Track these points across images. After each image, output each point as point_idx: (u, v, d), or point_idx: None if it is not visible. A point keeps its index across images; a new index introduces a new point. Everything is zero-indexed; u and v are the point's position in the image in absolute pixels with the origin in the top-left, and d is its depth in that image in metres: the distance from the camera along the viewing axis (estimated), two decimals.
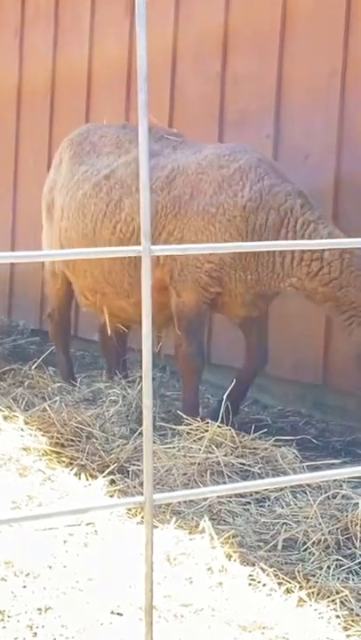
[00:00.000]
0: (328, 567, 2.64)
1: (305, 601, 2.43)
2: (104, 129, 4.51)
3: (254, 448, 3.42)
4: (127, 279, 4.11)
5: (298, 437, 3.70)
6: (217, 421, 3.54)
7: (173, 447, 3.44)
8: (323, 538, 2.79)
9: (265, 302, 4.01)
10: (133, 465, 3.41)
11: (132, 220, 4.08)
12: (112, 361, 4.65)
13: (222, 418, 3.62)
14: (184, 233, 3.92)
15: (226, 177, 3.90)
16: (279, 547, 2.80)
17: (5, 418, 3.83)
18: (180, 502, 3.06)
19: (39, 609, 2.28)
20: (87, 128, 4.61)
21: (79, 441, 3.62)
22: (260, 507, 3.10)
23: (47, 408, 3.89)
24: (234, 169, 3.90)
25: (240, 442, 3.43)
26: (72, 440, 3.63)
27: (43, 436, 3.65)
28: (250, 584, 2.50)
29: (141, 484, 3.18)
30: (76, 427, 3.69)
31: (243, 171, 3.90)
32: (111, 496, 3.11)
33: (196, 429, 3.52)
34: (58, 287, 4.62)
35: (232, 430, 3.48)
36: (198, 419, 3.63)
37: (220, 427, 3.49)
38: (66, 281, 4.55)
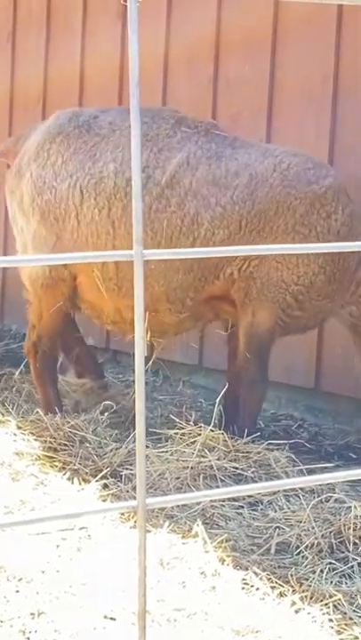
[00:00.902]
0: (321, 571, 2.65)
1: (298, 605, 2.43)
2: (100, 115, 3.91)
3: (247, 452, 3.43)
4: (190, 295, 3.77)
5: (291, 442, 3.70)
6: (210, 425, 3.54)
7: (166, 451, 3.44)
8: (316, 542, 2.79)
9: None
10: (126, 469, 3.41)
11: (212, 236, 3.67)
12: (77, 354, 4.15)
13: (215, 422, 3.62)
14: (272, 260, 3.64)
15: (318, 195, 3.65)
16: (272, 551, 2.80)
17: None
18: (173, 506, 3.06)
19: (32, 614, 2.27)
20: (72, 114, 3.94)
21: (72, 445, 3.62)
22: (254, 511, 3.10)
23: (40, 412, 3.89)
24: (325, 187, 3.66)
25: (233, 446, 3.43)
26: (65, 444, 3.63)
27: (36, 440, 3.64)
28: (243, 588, 2.50)
29: (134, 489, 3.18)
30: (70, 431, 3.68)
31: (334, 190, 3.66)
32: (104, 500, 3.11)
33: (189, 433, 3.52)
34: (58, 304, 3.88)
35: (225, 434, 3.48)
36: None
37: (212, 431, 3.48)
38: (70, 296, 3.88)
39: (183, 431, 3.53)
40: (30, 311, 4.01)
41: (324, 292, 3.69)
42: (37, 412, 3.90)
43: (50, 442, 3.63)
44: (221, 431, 3.49)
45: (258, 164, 3.69)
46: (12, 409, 4.07)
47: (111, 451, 3.53)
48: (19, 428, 3.75)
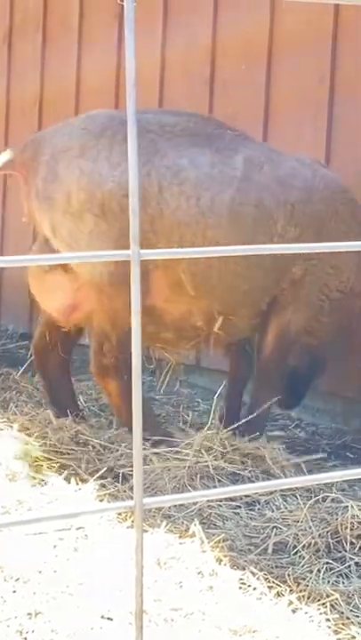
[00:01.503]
0: (318, 570, 2.65)
1: (295, 604, 2.43)
2: (139, 115, 3.71)
3: (247, 453, 3.42)
4: (265, 298, 3.69)
5: (288, 441, 3.71)
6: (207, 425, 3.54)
7: (163, 451, 3.44)
8: (313, 541, 2.79)
9: None
10: (124, 469, 3.41)
11: (285, 233, 3.63)
12: (59, 385, 3.94)
13: (212, 421, 3.62)
14: (326, 264, 3.70)
15: (353, 200, 3.77)
16: (269, 550, 2.80)
17: None
18: (170, 506, 3.06)
19: (29, 614, 2.28)
20: (110, 114, 3.82)
21: (72, 445, 3.62)
22: (251, 510, 3.11)
23: (38, 414, 3.89)
24: (352, 193, 3.79)
25: (230, 445, 3.43)
26: (63, 445, 3.63)
27: (35, 441, 3.64)
28: (240, 588, 2.51)
29: (131, 489, 3.18)
30: (67, 431, 3.68)
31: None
32: (101, 500, 3.11)
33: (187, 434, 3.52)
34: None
35: (220, 433, 3.48)
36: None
37: (209, 430, 3.49)
38: None
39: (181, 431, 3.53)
40: (99, 323, 3.58)
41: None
42: (35, 412, 3.90)
43: (48, 442, 3.63)
44: (217, 430, 3.48)
45: (301, 169, 3.74)
46: (9, 409, 4.07)
47: (111, 452, 3.53)
48: (12, 426, 3.75)
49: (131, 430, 3.37)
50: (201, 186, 3.59)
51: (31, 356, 4.10)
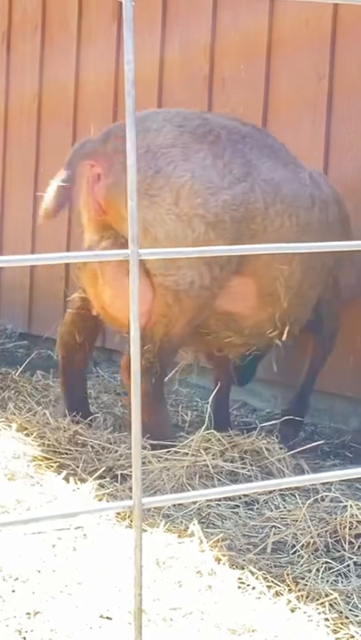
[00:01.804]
0: (317, 570, 2.65)
1: (294, 604, 2.43)
2: (216, 118, 3.74)
3: (245, 450, 3.41)
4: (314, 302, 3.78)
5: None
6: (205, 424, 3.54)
7: (162, 452, 3.44)
8: (312, 541, 2.79)
9: None
10: (123, 469, 3.41)
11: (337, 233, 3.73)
12: (78, 392, 3.88)
13: (210, 421, 3.62)
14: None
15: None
16: (268, 550, 2.80)
17: None
18: (169, 506, 3.06)
19: (28, 613, 2.27)
20: (202, 116, 3.70)
21: (70, 445, 3.61)
22: (250, 510, 3.11)
23: (37, 413, 3.88)
24: None
25: (228, 444, 3.43)
26: (62, 444, 3.63)
27: (33, 440, 3.64)
28: (239, 587, 2.51)
29: (130, 488, 3.18)
30: (66, 431, 3.68)
31: None
32: (100, 500, 3.11)
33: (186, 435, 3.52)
34: (195, 316, 3.54)
35: (216, 433, 3.47)
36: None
37: (208, 429, 3.48)
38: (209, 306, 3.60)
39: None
40: (153, 324, 3.51)
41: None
42: (35, 412, 3.90)
43: (47, 442, 3.62)
44: (212, 431, 3.48)
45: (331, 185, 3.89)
46: (8, 409, 4.06)
47: (110, 452, 3.53)
48: (10, 426, 3.74)
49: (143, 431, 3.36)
50: (296, 203, 3.60)
51: (30, 355, 4.08)
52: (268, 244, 3.55)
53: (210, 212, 3.44)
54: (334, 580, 2.61)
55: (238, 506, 3.12)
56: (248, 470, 3.33)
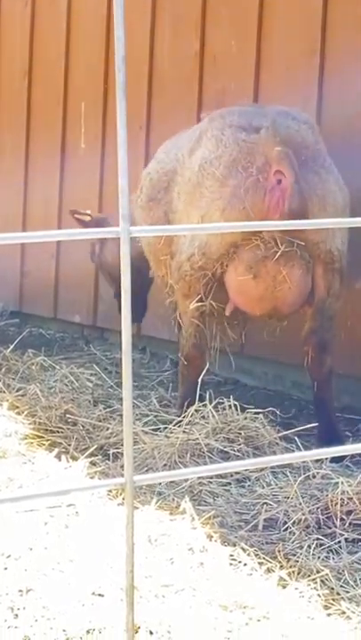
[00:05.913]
0: (308, 546, 2.66)
1: (286, 580, 2.44)
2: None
3: (237, 428, 3.41)
4: None
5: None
6: (194, 403, 3.53)
7: (153, 428, 3.44)
8: (303, 517, 2.80)
9: None
10: (113, 448, 3.41)
11: None
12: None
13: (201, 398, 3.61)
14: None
15: None
16: (260, 527, 2.81)
17: None
18: (160, 483, 3.06)
19: (20, 590, 2.28)
20: (310, 122, 3.77)
21: (61, 424, 3.61)
22: (241, 487, 3.11)
23: (27, 392, 3.88)
24: None
25: (219, 421, 3.43)
26: (52, 423, 3.62)
27: (24, 419, 3.64)
28: (231, 564, 2.51)
29: (122, 466, 3.19)
30: (57, 409, 3.68)
31: None
32: (92, 478, 3.11)
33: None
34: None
35: (211, 410, 3.47)
36: None
37: (198, 406, 3.48)
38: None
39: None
40: (338, 302, 3.71)
41: None
42: (25, 390, 3.89)
43: (38, 421, 3.62)
44: (204, 405, 3.46)
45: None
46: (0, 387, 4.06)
47: (101, 430, 3.53)
48: (8, 407, 3.74)
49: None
50: None
51: (21, 334, 4.05)
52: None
53: (347, 211, 3.60)
54: (325, 557, 2.63)
55: (230, 483, 3.13)
56: (238, 449, 3.34)
